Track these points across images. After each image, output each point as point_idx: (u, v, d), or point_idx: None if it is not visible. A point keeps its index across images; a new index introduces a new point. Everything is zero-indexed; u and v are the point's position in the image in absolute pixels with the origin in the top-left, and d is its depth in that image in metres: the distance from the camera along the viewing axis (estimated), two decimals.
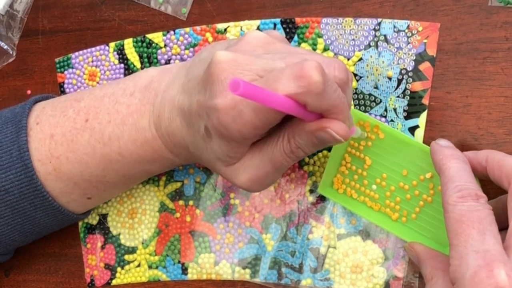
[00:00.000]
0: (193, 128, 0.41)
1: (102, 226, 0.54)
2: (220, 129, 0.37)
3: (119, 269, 0.54)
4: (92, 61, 0.55)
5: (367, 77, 0.48)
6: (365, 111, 0.48)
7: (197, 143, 0.41)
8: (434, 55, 0.47)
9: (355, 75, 0.48)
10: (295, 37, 0.50)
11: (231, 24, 0.52)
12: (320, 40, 0.49)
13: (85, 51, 0.56)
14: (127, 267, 0.53)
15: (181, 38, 0.53)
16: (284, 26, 0.50)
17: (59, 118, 0.46)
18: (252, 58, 0.37)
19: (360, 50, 0.48)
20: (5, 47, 0.58)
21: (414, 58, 0.47)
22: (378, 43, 0.48)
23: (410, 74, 0.47)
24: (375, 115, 0.48)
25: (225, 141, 0.38)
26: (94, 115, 0.45)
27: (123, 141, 0.45)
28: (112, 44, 0.55)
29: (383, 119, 0.47)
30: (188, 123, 0.41)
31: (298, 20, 0.50)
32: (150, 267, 0.53)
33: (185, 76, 0.43)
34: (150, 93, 0.44)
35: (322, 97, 0.34)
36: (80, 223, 0.55)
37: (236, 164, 0.40)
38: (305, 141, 0.38)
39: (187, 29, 0.53)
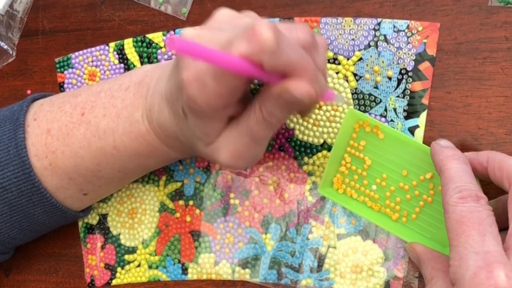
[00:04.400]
0: (176, 114, 0.41)
1: (102, 226, 0.54)
2: (189, 103, 0.37)
3: (119, 269, 0.54)
4: (92, 61, 0.55)
5: (367, 77, 0.48)
6: (365, 111, 0.48)
7: (182, 128, 0.42)
8: (434, 55, 0.46)
9: (355, 75, 0.48)
10: None
11: None
12: None
13: (85, 51, 0.56)
14: (127, 267, 0.53)
15: None
16: None
17: (56, 113, 0.47)
18: (216, 31, 0.37)
19: (360, 50, 0.48)
20: (5, 47, 0.58)
21: (414, 58, 0.47)
22: (378, 43, 0.48)
23: (410, 74, 0.47)
24: (375, 115, 0.48)
25: (198, 117, 0.38)
26: (90, 109, 0.46)
27: (117, 134, 0.45)
28: (112, 44, 0.55)
29: (383, 119, 0.47)
30: (173, 111, 0.42)
31: (297, 19, 0.50)
32: (150, 267, 0.53)
33: (172, 68, 0.43)
34: (143, 87, 0.45)
35: (277, 55, 0.33)
36: (80, 223, 0.55)
37: (216, 142, 0.40)
38: (273, 106, 0.37)
39: None
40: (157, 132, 0.44)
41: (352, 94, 0.48)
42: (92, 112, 0.46)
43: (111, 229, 0.54)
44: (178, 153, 0.47)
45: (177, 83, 0.38)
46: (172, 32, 0.53)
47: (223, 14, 0.40)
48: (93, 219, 0.55)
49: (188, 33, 0.37)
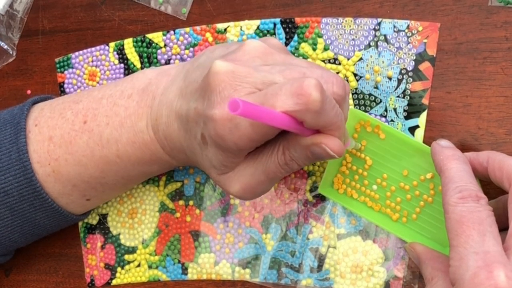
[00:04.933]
0: (190, 134, 0.41)
1: (102, 226, 0.54)
2: (216, 139, 0.37)
3: (119, 269, 0.54)
4: (92, 61, 0.55)
5: (367, 77, 0.48)
6: (365, 111, 0.48)
7: (194, 149, 0.41)
8: (434, 55, 0.46)
9: (355, 75, 0.48)
10: (295, 37, 0.50)
11: (231, 24, 0.52)
12: (320, 40, 0.49)
13: (85, 51, 0.56)
14: (127, 267, 0.53)
15: (181, 38, 0.53)
16: (284, 26, 0.50)
17: (58, 120, 0.46)
18: (251, 70, 0.37)
19: (360, 50, 0.48)
20: (5, 47, 0.58)
21: (414, 58, 0.47)
22: (378, 43, 0.48)
23: (410, 74, 0.47)
24: (375, 115, 0.48)
25: (221, 151, 0.38)
26: (92, 117, 0.45)
27: (121, 143, 0.45)
28: (112, 44, 0.55)
29: (383, 119, 0.47)
30: (185, 129, 0.41)
31: (298, 20, 0.50)
32: (150, 267, 0.53)
33: (183, 79, 0.42)
34: (148, 95, 0.44)
35: (320, 115, 0.34)
36: (80, 223, 0.55)
37: (230, 173, 0.40)
38: (299, 155, 0.38)
39: (187, 29, 0.53)
40: (162, 143, 0.44)
41: (352, 94, 0.48)
42: (94, 121, 0.45)
43: (111, 229, 0.54)
44: (180, 164, 0.47)
45: (202, 112, 0.38)
46: (172, 32, 0.53)
47: (254, 47, 0.39)
48: (93, 219, 0.55)
49: (224, 67, 0.36)
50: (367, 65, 0.48)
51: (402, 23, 0.47)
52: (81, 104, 0.46)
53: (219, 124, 0.36)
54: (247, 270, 0.50)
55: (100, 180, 0.47)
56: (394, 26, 0.47)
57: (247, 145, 0.36)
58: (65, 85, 0.56)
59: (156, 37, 0.54)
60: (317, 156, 0.37)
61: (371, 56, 0.48)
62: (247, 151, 0.38)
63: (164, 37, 0.53)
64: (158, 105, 0.43)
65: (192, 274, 0.52)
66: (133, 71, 0.54)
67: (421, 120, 0.47)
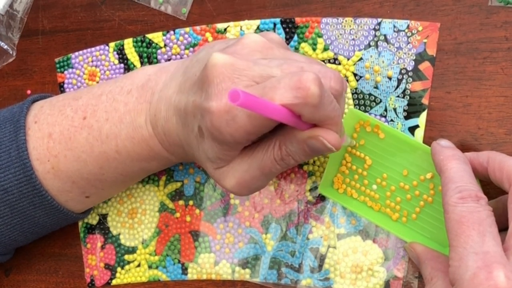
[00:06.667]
0: (188, 128, 0.41)
1: (102, 226, 0.54)
2: (213, 131, 0.37)
3: (119, 269, 0.54)
4: (92, 61, 0.55)
5: (367, 77, 0.48)
6: (365, 111, 0.48)
7: (191, 143, 0.41)
8: (434, 55, 0.46)
9: (355, 75, 0.48)
10: (295, 37, 0.50)
11: (231, 24, 0.52)
12: (320, 40, 0.49)
13: (85, 51, 0.56)
14: (127, 267, 0.53)
15: (181, 38, 0.53)
16: (284, 26, 0.50)
17: (57, 116, 0.47)
18: (249, 63, 0.37)
19: (360, 50, 0.48)
20: (5, 47, 0.58)
21: (414, 58, 0.47)
22: (378, 43, 0.48)
23: (410, 74, 0.47)
24: (375, 115, 0.48)
25: (217, 144, 0.38)
26: (92, 113, 0.46)
27: (120, 139, 0.45)
28: (112, 44, 0.55)
29: (383, 119, 0.47)
30: (183, 123, 0.41)
31: (298, 20, 0.50)
32: (150, 267, 0.53)
33: (182, 75, 0.43)
34: (147, 91, 0.45)
35: (318, 109, 0.34)
36: (80, 223, 0.55)
37: (225, 167, 0.40)
38: (296, 149, 0.38)
39: (187, 29, 0.53)
40: (161, 138, 0.44)
41: (352, 94, 0.48)
42: (94, 116, 0.46)
43: (111, 229, 0.54)
44: (179, 160, 0.47)
45: (200, 104, 0.38)
46: (172, 32, 0.53)
47: (253, 41, 0.40)
48: (93, 219, 0.55)
49: (222, 59, 0.36)
50: (367, 65, 0.48)
51: (402, 23, 0.47)
52: (81, 101, 0.47)
53: (216, 116, 0.36)
54: (247, 270, 0.50)
55: (99, 177, 0.47)
56: (394, 26, 0.47)
57: (244, 137, 0.36)
58: (65, 85, 0.56)
59: (156, 37, 0.54)
60: (314, 150, 0.37)
61: (371, 56, 0.48)
62: (243, 144, 0.38)
63: (164, 37, 0.53)
64: (157, 101, 0.44)
65: (192, 274, 0.52)
66: None
67: (421, 120, 0.47)
